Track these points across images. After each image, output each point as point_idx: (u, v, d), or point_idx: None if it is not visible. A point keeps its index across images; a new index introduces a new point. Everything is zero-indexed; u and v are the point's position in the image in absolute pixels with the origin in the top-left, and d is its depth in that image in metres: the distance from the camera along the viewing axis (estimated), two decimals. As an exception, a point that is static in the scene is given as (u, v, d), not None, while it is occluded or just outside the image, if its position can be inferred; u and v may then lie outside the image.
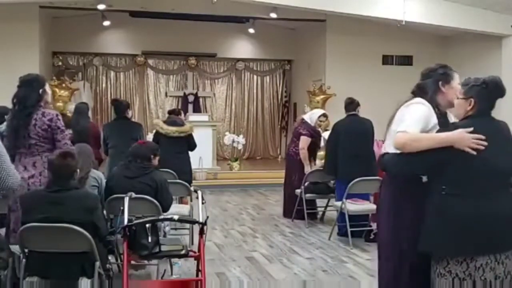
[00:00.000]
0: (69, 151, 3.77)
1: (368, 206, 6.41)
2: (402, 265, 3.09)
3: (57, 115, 4.20)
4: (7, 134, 4.15)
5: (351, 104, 6.90)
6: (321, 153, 7.84)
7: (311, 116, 7.83)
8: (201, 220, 4.01)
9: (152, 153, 4.80)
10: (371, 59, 13.05)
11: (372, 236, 6.42)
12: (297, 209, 7.54)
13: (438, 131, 2.97)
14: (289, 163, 7.89)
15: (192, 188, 5.81)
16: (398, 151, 2.98)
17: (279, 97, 16.07)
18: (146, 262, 4.38)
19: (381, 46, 13.17)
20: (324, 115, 7.96)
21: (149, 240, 3.76)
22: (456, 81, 3.25)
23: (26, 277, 3.49)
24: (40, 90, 4.23)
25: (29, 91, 4.21)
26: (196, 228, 4.20)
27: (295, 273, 5.15)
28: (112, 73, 15.02)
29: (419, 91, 3.31)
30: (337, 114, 7.60)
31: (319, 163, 7.80)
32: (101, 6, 11.64)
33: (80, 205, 3.54)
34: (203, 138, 10.12)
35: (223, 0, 10.19)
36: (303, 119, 7.90)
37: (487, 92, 2.87)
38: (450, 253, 2.80)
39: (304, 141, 7.49)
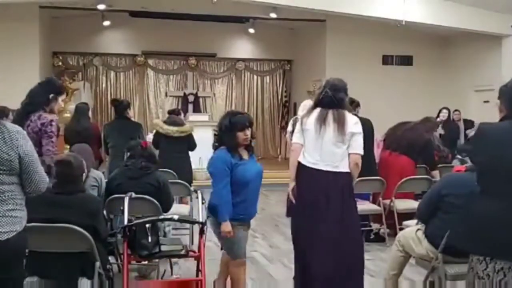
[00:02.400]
0: (69, 160, 3.68)
1: (368, 206, 6.40)
2: None
3: (51, 120, 4.11)
4: None
5: (351, 104, 6.89)
6: None
7: (303, 109, 7.63)
8: (201, 220, 4.02)
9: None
10: (371, 59, 13.05)
11: (372, 236, 6.43)
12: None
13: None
14: None
15: (192, 188, 5.82)
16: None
17: (279, 97, 16.06)
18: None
19: (381, 46, 13.17)
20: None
21: (149, 240, 3.76)
22: None
23: (26, 277, 3.49)
24: (51, 95, 4.21)
25: (41, 90, 4.20)
26: (196, 228, 4.20)
27: (295, 273, 5.14)
28: (112, 73, 15.02)
29: (346, 105, 4.24)
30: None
31: None
32: (101, 6, 11.64)
33: (83, 208, 3.54)
34: (203, 138, 10.06)
35: (223, 0, 10.19)
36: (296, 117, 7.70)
37: (507, 92, 2.85)
38: (469, 250, 2.75)
39: None
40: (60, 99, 4.28)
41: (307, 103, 7.77)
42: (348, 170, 4.09)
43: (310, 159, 4.13)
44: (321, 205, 4.03)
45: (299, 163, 4.18)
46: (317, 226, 4.02)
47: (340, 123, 4.07)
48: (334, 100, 4.12)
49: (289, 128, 7.76)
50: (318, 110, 4.19)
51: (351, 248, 4.05)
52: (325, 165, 4.07)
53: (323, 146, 4.08)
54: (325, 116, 4.11)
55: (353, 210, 4.19)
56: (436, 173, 6.83)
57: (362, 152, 4.11)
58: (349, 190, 4.14)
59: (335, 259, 3.98)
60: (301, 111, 7.71)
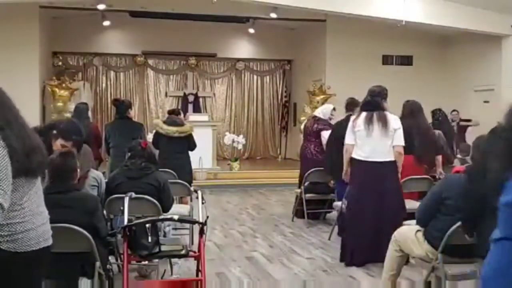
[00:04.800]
0: (70, 151, 3.74)
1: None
2: None
3: None
4: None
5: (352, 104, 6.88)
6: None
7: (323, 111, 7.66)
8: (201, 220, 4.02)
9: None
10: (371, 59, 13.05)
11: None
12: (297, 209, 7.56)
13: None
14: (309, 164, 7.38)
15: (192, 188, 5.82)
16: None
17: (279, 97, 16.07)
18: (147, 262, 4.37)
19: (381, 46, 13.17)
20: (334, 109, 7.88)
21: (149, 240, 3.76)
22: None
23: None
24: (54, 131, 4.19)
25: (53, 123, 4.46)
26: (196, 228, 4.20)
27: (295, 273, 5.15)
28: (112, 73, 15.03)
29: (384, 107, 5.26)
30: (338, 114, 7.60)
31: None
32: (101, 6, 11.63)
33: (80, 207, 3.53)
34: (203, 138, 10.11)
35: (223, 0, 10.19)
36: (315, 116, 7.64)
37: None
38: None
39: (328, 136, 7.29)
40: (58, 142, 4.08)
41: (328, 107, 7.91)
42: (393, 159, 5.13)
43: (363, 154, 5.17)
44: (372, 187, 5.11)
45: (352, 158, 5.28)
46: (369, 203, 5.14)
47: (384, 122, 5.10)
48: (372, 103, 5.19)
49: (302, 125, 8.25)
50: (364, 113, 5.21)
51: (393, 218, 5.01)
52: (376, 156, 5.11)
53: (373, 142, 5.11)
54: (370, 118, 5.13)
55: (399, 189, 5.27)
56: (439, 157, 6.74)
57: (403, 143, 5.17)
58: (396, 174, 5.21)
59: (379, 223, 5.08)
60: (320, 113, 7.71)
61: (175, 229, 5.84)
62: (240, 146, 12.95)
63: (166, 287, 4.26)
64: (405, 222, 5.29)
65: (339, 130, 6.77)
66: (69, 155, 3.70)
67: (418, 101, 6.43)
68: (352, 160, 5.31)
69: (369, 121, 5.14)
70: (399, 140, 5.17)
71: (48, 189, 3.57)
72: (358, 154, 5.24)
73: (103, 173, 5.46)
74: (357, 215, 5.30)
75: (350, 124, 5.36)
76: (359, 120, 5.23)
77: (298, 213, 7.57)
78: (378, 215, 5.16)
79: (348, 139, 5.35)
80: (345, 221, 5.53)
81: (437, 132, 7.25)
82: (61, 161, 3.58)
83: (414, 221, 4.69)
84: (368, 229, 5.19)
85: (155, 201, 4.48)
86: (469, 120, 10.92)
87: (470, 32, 11.53)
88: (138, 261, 4.15)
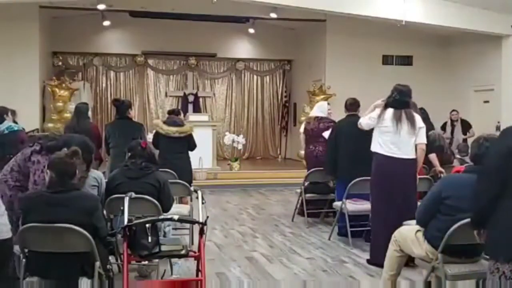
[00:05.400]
0: (75, 150, 3.74)
1: (368, 206, 6.38)
2: None
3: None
4: None
5: (353, 105, 6.87)
6: None
7: (321, 109, 7.66)
8: (201, 220, 4.01)
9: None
10: (371, 59, 13.05)
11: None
12: (300, 208, 7.56)
13: None
14: (316, 165, 7.33)
15: (192, 188, 5.82)
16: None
17: (279, 97, 16.07)
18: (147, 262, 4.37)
19: (381, 46, 13.17)
20: (328, 103, 7.91)
21: (149, 240, 3.76)
22: None
23: (26, 277, 3.49)
24: None
25: None
26: (196, 228, 4.20)
27: (295, 273, 5.15)
28: (112, 73, 15.02)
29: (407, 105, 5.34)
30: (337, 114, 7.59)
31: None
32: (101, 6, 11.64)
33: (80, 207, 3.53)
34: (203, 138, 10.11)
35: (223, 0, 10.19)
36: (317, 116, 7.61)
37: None
38: (494, 252, 2.75)
39: None
40: None
41: (323, 104, 7.94)
42: (415, 157, 5.28)
43: (389, 150, 5.26)
44: (395, 184, 5.22)
45: (376, 153, 5.34)
46: (392, 197, 5.24)
47: (412, 121, 5.22)
48: (401, 102, 5.24)
49: (301, 129, 8.05)
50: (391, 110, 5.25)
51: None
52: (402, 153, 5.22)
53: (401, 139, 5.20)
54: (399, 115, 5.22)
55: (415, 186, 5.41)
56: (433, 156, 6.86)
57: (426, 141, 5.36)
58: (416, 172, 5.38)
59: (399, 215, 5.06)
60: (319, 112, 7.72)
61: (175, 229, 5.84)
62: (240, 146, 12.95)
63: (166, 287, 4.25)
64: (405, 222, 5.30)
65: (339, 130, 6.79)
66: (74, 155, 3.70)
67: (416, 101, 6.44)
68: (376, 155, 5.35)
69: (398, 119, 5.22)
70: (422, 137, 5.31)
71: (49, 188, 3.58)
72: (383, 148, 5.30)
73: (103, 173, 5.46)
74: (381, 212, 5.35)
75: (374, 115, 5.35)
76: (386, 116, 5.26)
77: (300, 212, 7.59)
78: (401, 211, 5.14)
79: (364, 121, 5.47)
80: (371, 219, 5.58)
81: (437, 132, 7.26)
82: (69, 159, 3.59)
83: (414, 221, 4.70)
84: (391, 227, 4.95)
85: (155, 201, 4.48)
86: (466, 133, 11.04)
87: (470, 32, 11.53)
88: (138, 261, 4.15)
